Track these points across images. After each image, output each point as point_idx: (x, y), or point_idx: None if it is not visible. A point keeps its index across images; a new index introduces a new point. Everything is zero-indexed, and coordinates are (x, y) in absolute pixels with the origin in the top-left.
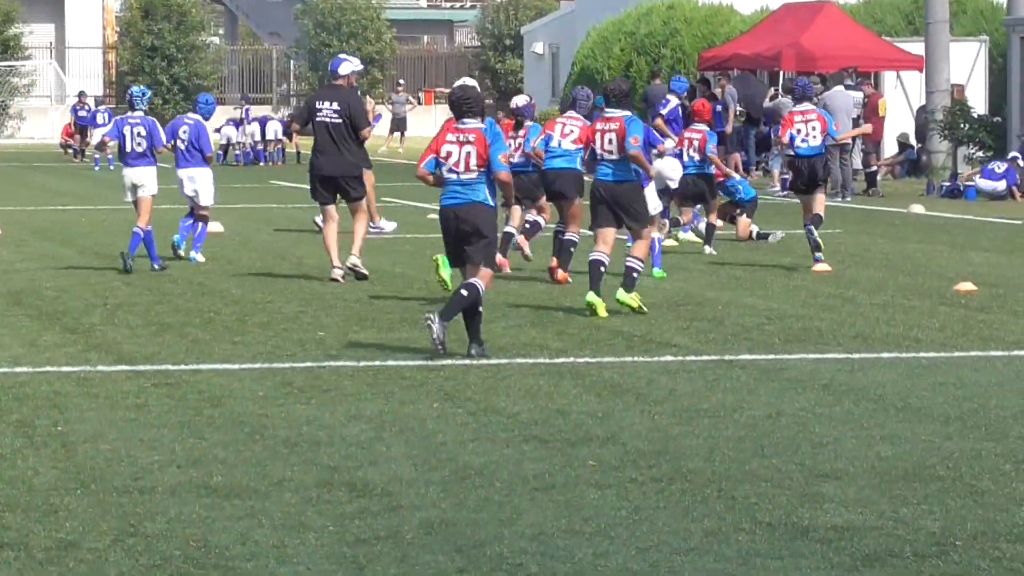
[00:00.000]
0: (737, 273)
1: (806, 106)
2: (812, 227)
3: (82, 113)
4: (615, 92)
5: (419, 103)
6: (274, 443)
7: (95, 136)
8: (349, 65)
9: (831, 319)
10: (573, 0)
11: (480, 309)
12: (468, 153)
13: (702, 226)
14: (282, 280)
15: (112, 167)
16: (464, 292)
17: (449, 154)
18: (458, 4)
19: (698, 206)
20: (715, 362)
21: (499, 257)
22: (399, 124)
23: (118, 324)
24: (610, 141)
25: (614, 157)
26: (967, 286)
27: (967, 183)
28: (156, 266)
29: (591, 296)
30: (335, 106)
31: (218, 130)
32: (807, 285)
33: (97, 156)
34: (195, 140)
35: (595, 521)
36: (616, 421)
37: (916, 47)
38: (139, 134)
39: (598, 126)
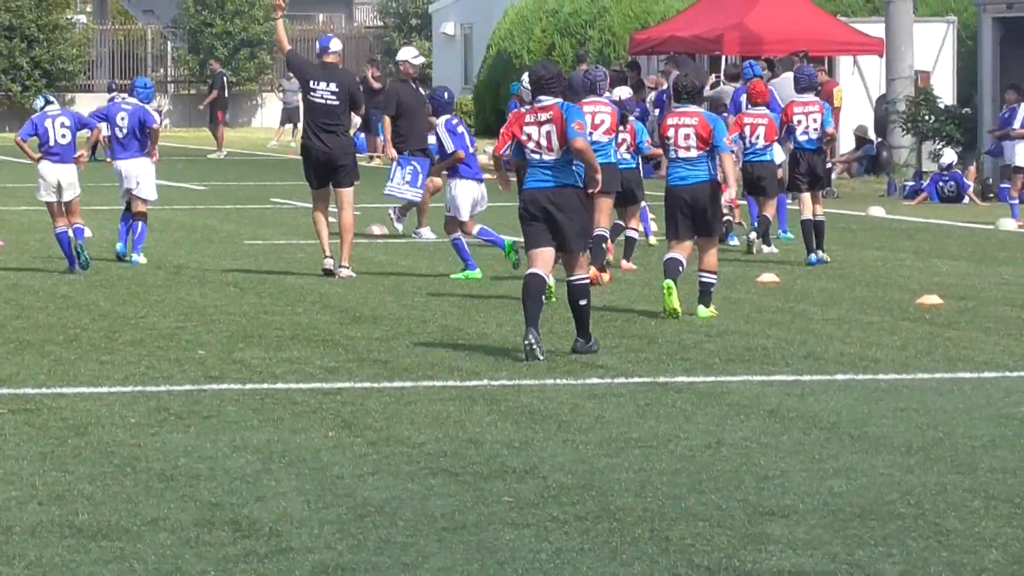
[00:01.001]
0: None
1: (808, 96)
2: (813, 229)
3: None
4: (688, 88)
5: None
6: (147, 477)
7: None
8: (338, 41)
9: (778, 336)
10: None
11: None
12: (548, 132)
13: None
14: (157, 291)
15: None
16: (583, 302)
17: (529, 136)
18: None
19: None
20: (647, 385)
21: (625, 263)
22: (291, 115)
23: None
24: (687, 137)
25: (692, 155)
26: (932, 299)
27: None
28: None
29: (669, 281)
30: (332, 87)
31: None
32: (751, 298)
33: None
34: (136, 128)
35: (511, 565)
36: (535, 452)
37: (875, 28)
38: (63, 124)
39: (671, 121)
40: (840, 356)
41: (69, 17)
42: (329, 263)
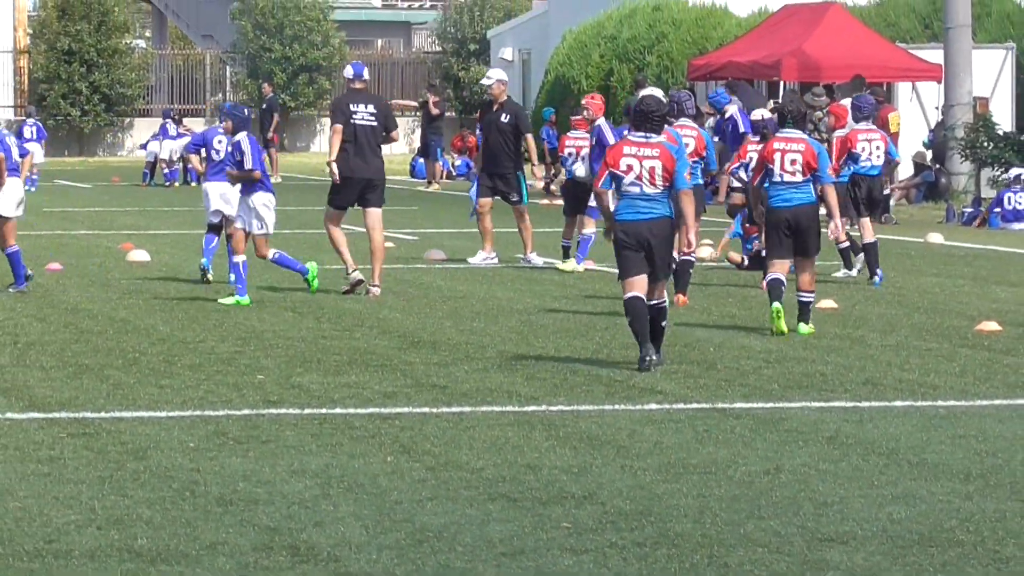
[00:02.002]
0: (731, 310)
1: (869, 124)
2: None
3: None
4: (793, 113)
5: None
6: (206, 501)
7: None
8: (367, 70)
9: (837, 363)
10: (545, 0)
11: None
12: (652, 167)
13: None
14: (215, 316)
15: (34, 188)
16: (663, 323)
17: (630, 167)
18: (416, 4)
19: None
20: (706, 411)
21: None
22: None
23: (30, 365)
24: (792, 162)
25: (797, 180)
26: (991, 326)
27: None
28: (14, 289)
29: (778, 305)
30: (371, 109)
31: (144, 146)
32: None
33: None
34: (236, 152)
35: None
36: (594, 477)
37: (934, 55)
38: (14, 144)
39: (776, 145)
40: (898, 383)
41: (128, 42)
42: (358, 274)
